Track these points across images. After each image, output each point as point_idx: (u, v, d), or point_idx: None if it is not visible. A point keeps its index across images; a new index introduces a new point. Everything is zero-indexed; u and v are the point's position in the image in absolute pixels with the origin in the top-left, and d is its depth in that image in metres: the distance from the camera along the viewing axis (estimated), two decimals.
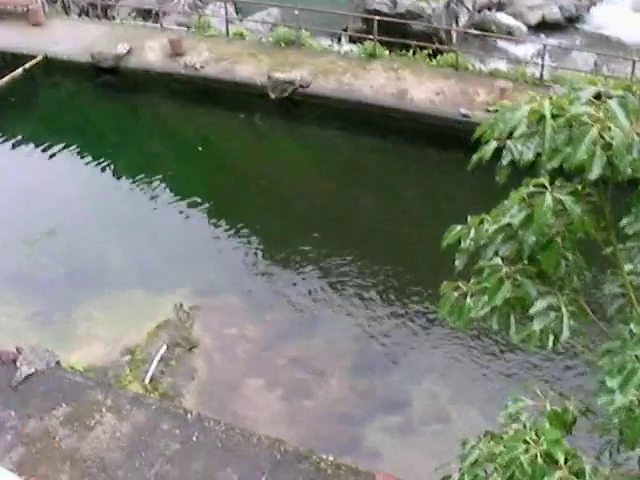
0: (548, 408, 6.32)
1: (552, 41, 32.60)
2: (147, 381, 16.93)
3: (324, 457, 14.80)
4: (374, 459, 15.58)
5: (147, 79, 28.12)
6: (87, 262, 20.71)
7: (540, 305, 6.08)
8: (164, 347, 17.80)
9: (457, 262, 6.58)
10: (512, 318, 6.27)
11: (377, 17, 28.25)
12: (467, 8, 33.67)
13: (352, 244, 21.64)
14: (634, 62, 25.71)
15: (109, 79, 28.64)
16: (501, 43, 32.94)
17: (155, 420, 15.28)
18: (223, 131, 27.15)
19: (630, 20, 35.35)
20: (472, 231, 6.46)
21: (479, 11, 34.87)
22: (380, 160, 25.45)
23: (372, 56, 27.97)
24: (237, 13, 33.02)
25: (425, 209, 23.24)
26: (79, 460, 14.43)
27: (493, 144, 5.95)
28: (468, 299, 6.46)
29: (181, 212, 22.81)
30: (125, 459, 14.53)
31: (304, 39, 29.01)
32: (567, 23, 35.73)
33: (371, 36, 28.32)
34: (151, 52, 28.75)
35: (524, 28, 34.65)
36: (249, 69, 27.52)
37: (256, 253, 21.31)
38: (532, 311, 6.09)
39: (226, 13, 30.72)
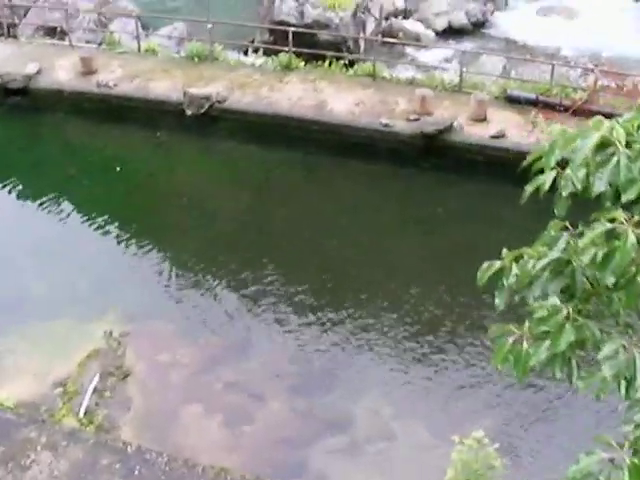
0: (627, 461, 5.76)
1: (462, 46, 32.75)
2: (82, 414, 16.39)
3: None
4: None
5: (59, 99, 27.33)
6: (8, 292, 19.92)
7: (609, 348, 5.61)
8: (97, 377, 17.27)
9: (497, 301, 6.05)
10: (574, 363, 5.81)
11: (291, 28, 28.06)
12: (374, 16, 33.61)
13: (278, 260, 21.35)
14: (553, 66, 25.90)
15: (19, 100, 27.81)
16: (409, 50, 32.92)
17: (94, 455, 14.79)
18: (141, 150, 26.55)
19: (535, 24, 35.72)
20: (514, 267, 5.97)
21: (386, 19, 34.85)
22: (301, 173, 25.27)
23: (288, 68, 27.70)
24: (144, 29, 32.40)
25: (349, 221, 23.01)
26: None
27: (552, 173, 5.56)
28: (525, 345, 5.84)
29: (103, 235, 22.25)
30: None
31: (218, 53, 28.58)
32: (473, 28, 35.87)
33: (285, 47, 28.07)
34: (62, 71, 27.99)
35: (431, 34, 34.74)
36: (164, 86, 26.99)
37: (182, 274, 20.87)
38: (601, 355, 5.60)
39: (137, 29, 30.05)
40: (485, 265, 6.14)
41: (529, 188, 5.73)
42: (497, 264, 6.05)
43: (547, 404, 17.14)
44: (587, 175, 5.34)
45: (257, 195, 24.17)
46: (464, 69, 27.42)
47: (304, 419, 16.80)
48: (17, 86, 27.71)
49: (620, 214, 5.33)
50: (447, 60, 32.33)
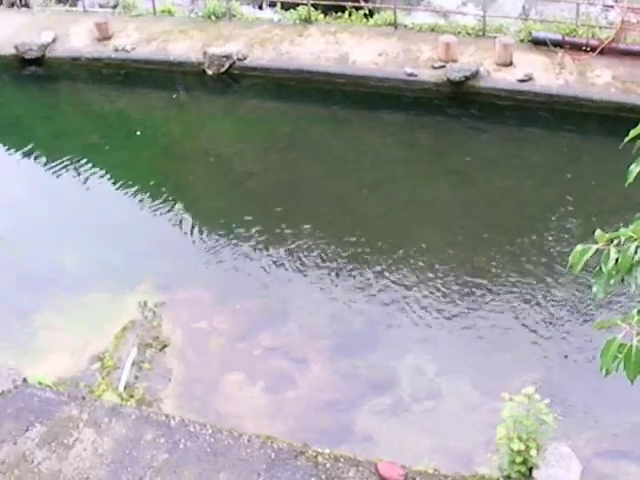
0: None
1: None
2: (122, 388, 16.10)
3: (320, 450, 14.19)
4: (370, 445, 14.99)
5: (76, 66, 26.90)
6: (40, 266, 19.64)
7: None
8: (134, 350, 16.97)
9: (596, 289, 5.56)
10: None
11: None
12: None
13: (310, 218, 20.95)
14: (578, 5, 25.07)
15: (36, 70, 27.39)
16: None
17: (137, 430, 14.50)
18: (163, 113, 25.93)
19: None
20: (612, 251, 5.45)
21: None
22: (328, 127, 24.70)
23: (307, 21, 27.12)
24: None
25: (379, 173, 22.55)
26: None
27: None
28: (635, 342, 5.33)
29: (130, 202, 21.86)
30: (111, 476, 13.75)
31: (235, 10, 27.99)
32: None
33: (303, 0, 27.46)
34: (77, 38, 27.52)
35: None
36: (182, 47, 26.48)
37: (215, 239, 20.46)
38: None
39: None
40: (579, 248, 5.61)
41: (636, 169, 5.20)
42: (593, 248, 5.53)
43: (596, 353, 16.73)
44: None
45: (285, 151, 23.67)
46: (485, 12, 26.68)
47: (348, 381, 16.45)
48: (33, 56, 27.31)
49: None
50: (464, 3, 31.61)
